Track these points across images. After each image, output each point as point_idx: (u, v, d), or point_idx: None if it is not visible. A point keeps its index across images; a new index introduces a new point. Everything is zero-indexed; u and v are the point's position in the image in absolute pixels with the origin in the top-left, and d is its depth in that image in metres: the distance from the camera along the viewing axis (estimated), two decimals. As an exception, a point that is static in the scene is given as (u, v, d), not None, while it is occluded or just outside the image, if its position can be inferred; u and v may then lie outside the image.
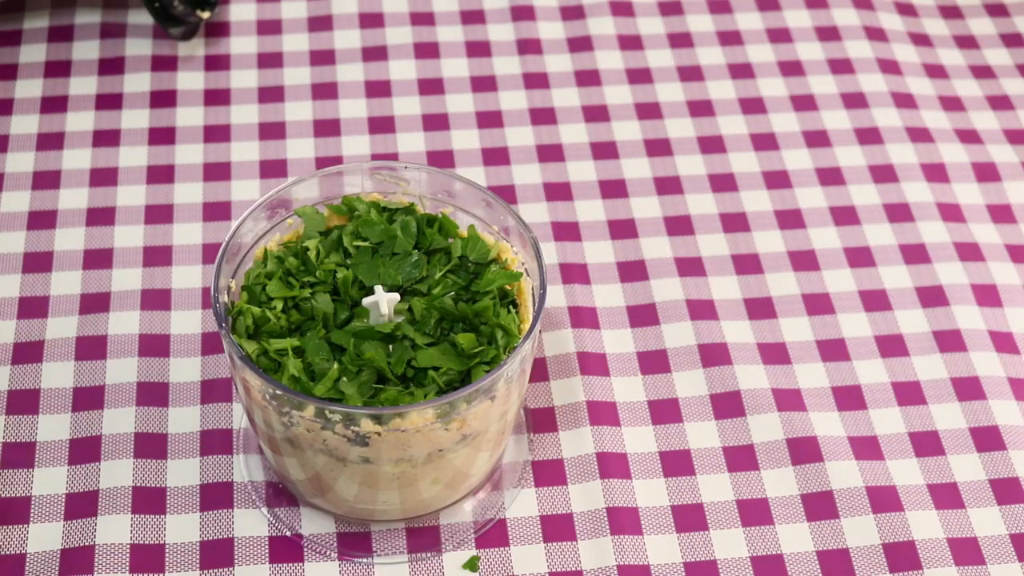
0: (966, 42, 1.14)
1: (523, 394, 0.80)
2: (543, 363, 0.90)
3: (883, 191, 1.01)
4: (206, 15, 1.08)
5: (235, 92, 1.06)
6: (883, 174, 1.02)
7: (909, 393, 0.89)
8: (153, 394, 0.87)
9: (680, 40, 1.12)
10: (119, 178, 1.00)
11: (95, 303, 0.92)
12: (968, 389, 0.90)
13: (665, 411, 0.88)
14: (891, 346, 0.92)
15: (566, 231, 0.98)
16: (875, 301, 0.94)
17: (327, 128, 1.04)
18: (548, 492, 0.84)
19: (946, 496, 0.84)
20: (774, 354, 0.91)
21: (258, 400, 0.75)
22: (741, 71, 1.10)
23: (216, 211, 0.98)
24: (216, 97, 1.06)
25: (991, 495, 0.85)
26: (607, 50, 1.11)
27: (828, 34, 1.13)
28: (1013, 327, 0.93)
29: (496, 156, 1.02)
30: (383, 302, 0.76)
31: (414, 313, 0.77)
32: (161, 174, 1.00)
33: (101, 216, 0.97)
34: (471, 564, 0.81)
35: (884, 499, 0.84)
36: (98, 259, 0.95)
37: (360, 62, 1.09)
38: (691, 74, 1.09)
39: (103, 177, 1.00)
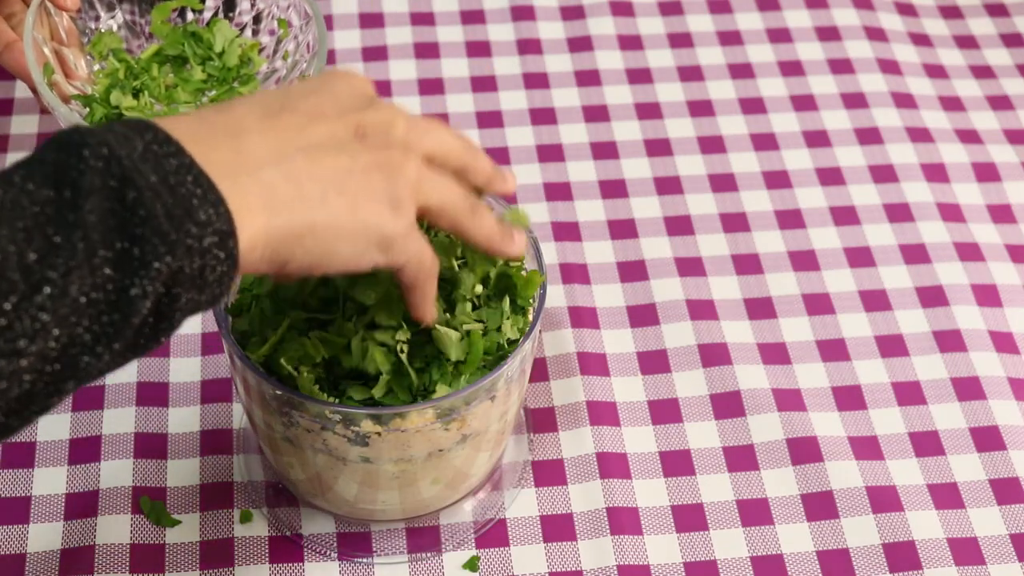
0: (966, 42, 1.14)
1: (523, 394, 0.80)
2: (543, 363, 0.90)
3: (883, 191, 1.01)
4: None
5: (235, 92, 1.06)
6: (883, 174, 1.02)
7: (909, 393, 0.89)
8: (153, 394, 0.87)
9: (680, 40, 1.12)
10: (119, 178, 1.00)
11: (95, 303, 0.92)
12: (968, 389, 0.89)
13: (665, 411, 0.88)
14: (891, 346, 0.92)
15: (566, 231, 0.98)
16: (875, 301, 0.94)
17: (327, 128, 1.04)
18: (548, 492, 0.84)
19: (946, 496, 0.84)
20: (774, 354, 0.91)
21: (258, 400, 0.75)
22: (741, 71, 1.10)
23: (216, 211, 0.98)
24: (216, 97, 1.06)
25: (991, 495, 0.84)
26: (607, 50, 1.11)
27: (828, 34, 1.13)
28: (1013, 327, 0.93)
29: (496, 156, 1.02)
30: None
31: None
32: (161, 174, 1.00)
33: (101, 216, 0.97)
34: (471, 564, 0.81)
35: (884, 499, 0.84)
36: (98, 259, 0.95)
37: (360, 62, 1.09)
38: (691, 74, 1.09)
39: (103, 177, 1.00)
